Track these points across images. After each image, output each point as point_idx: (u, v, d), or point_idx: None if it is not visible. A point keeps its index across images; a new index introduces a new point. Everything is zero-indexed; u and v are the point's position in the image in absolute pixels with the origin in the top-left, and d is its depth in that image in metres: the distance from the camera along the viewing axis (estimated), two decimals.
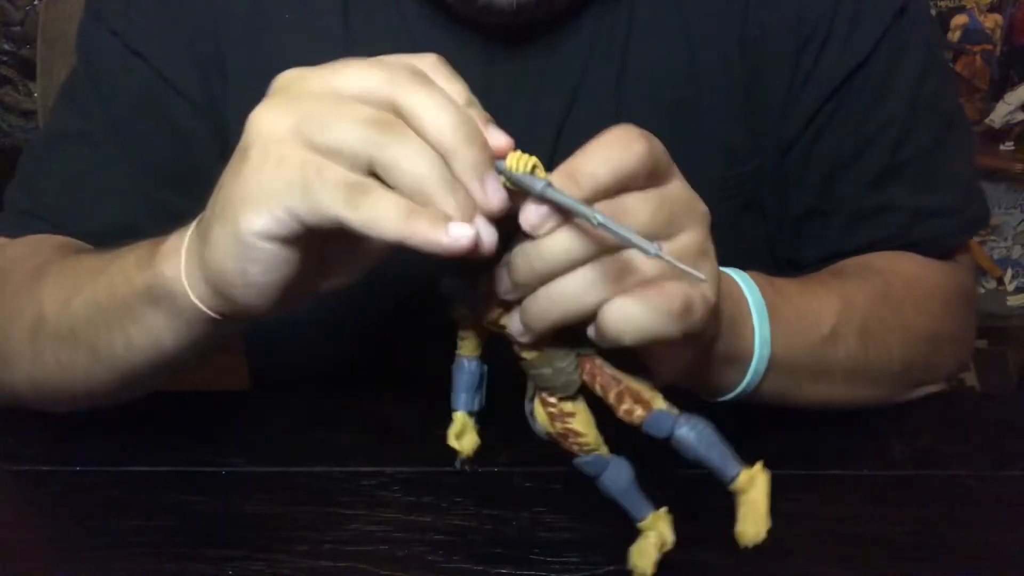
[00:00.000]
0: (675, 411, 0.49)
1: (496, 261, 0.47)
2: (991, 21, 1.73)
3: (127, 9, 0.77)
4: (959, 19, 1.73)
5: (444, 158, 0.44)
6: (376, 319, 0.80)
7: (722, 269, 0.61)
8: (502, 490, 0.64)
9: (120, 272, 0.58)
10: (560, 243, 0.45)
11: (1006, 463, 0.68)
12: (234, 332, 0.58)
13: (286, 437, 0.71)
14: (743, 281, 0.61)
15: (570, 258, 0.45)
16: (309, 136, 0.45)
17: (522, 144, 0.75)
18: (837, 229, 0.78)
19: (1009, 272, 1.89)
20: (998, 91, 1.77)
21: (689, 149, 0.74)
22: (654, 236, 0.46)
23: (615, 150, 0.46)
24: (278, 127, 0.45)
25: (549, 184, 0.44)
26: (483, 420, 0.53)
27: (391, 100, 0.45)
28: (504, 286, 0.48)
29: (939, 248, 0.77)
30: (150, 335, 0.57)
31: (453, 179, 0.44)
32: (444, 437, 0.52)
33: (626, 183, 0.46)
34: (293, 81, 0.48)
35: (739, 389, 0.60)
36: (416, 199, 0.44)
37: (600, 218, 0.42)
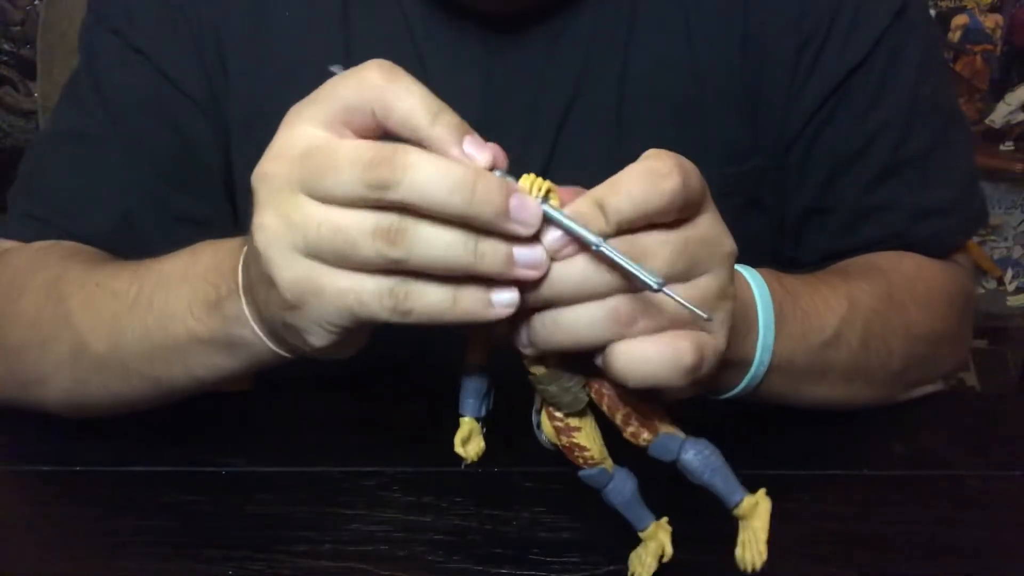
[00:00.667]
0: (681, 435, 0.49)
1: None
2: (991, 21, 1.73)
3: (129, 8, 0.77)
4: (960, 19, 1.73)
5: (463, 223, 0.44)
6: (394, 333, 0.82)
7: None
8: (502, 490, 0.64)
9: (173, 316, 0.58)
10: (574, 271, 0.45)
11: (1006, 463, 0.68)
12: None
13: (286, 437, 0.71)
14: (754, 281, 0.61)
15: (583, 288, 0.45)
16: (332, 265, 0.45)
17: (523, 136, 0.75)
18: (837, 228, 0.78)
19: (1009, 272, 1.89)
20: (998, 91, 1.77)
21: (690, 145, 0.74)
22: (672, 279, 0.46)
23: (645, 186, 0.45)
24: (297, 269, 0.46)
25: (561, 212, 0.44)
26: (484, 421, 0.53)
27: (384, 199, 0.43)
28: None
29: (939, 247, 0.78)
30: (217, 370, 0.59)
31: (479, 244, 0.44)
32: (444, 437, 0.52)
33: (653, 220, 0.46)
34: (276, 204, 0.46)
35: (737, 390, 0.60)
36: (454, 274, 0.44)
37: (605, 249, 0.43)
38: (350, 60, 0.74)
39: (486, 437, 0.53)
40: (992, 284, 1.90)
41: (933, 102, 0.77)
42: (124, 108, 0.77)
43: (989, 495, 0.66)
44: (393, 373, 0.76)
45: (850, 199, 0.77)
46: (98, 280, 0.65)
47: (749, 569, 0.49)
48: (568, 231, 0.44)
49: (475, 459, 0.53)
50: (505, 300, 0.44)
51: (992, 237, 1.87)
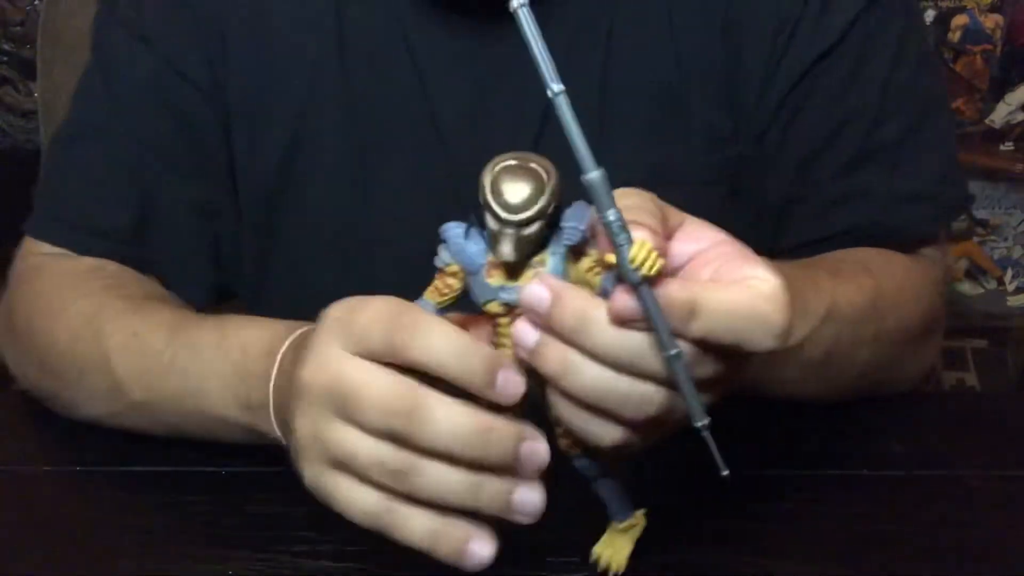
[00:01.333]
0: None
1: None
2: (991, 21, 1.73)
3: None
4: (960, 19, 1.73)
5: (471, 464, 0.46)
6: None
7: None
8: None
9: (207, 395, 0.63)
10: (630, 343, 0.44)
11: (1006, 463, 0.68)
12: None
13: None
14: None
15: (630, 363, 0.44)
16: (348, 476, 0.47)
17: (511, 127, 0.75)
18: (812, 216, 0.78)
19: (1009, 272, 1.89)
20: (998, 91, 1.77)
21: (673, 133, 0.74)
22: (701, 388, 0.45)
23: (750, 323, 0.43)
24: (316, 471, 0.49)
25: (656, 305, 0.42)
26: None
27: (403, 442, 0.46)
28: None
29: (916, 233, 0.78)
30: (238, 439, 0.63)
31: (482, 489, 0.46)
32: None
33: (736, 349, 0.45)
34: (311, 416, 0.48)
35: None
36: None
37: (675, 364, 0.43)
38: (344, 52, 0.75)
39: None
40: (992, 284, 1.89)
41: (910, 89, 0.77)
42: (130, 97, 0.77)
43: (989, 495, 0.66)
44: None
45: (824, 186, 0.77)
46: (136, 329, 0.68)
47: (602, 565, 0.53)
48: (652, 322, 0.43)
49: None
50: (480, 552, 0.47)
51: (992, 237, 1.87)
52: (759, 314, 0.44)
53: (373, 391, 0.46)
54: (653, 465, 0.50)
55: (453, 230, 0.47)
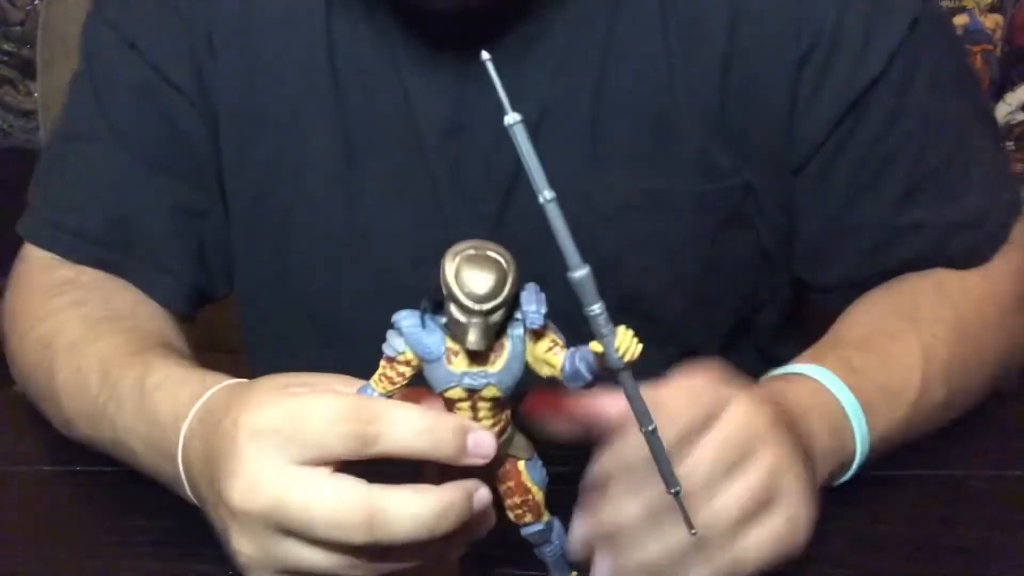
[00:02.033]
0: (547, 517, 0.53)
1: None
2: (991, 21, 1.73)
3: (126, 2, 0.78)
4: (960, 19, 1.73)
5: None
6: (376, 321, 0.82)
7: (804, 369, 0.64)
8: None
9: (135, 455, 0.63)
10: (631, 449, 0.50)
11: (1006, 463, 0.68)
12: None
13: None
14: (828, 382, 0.63)
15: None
16: None
17: (494, 144, 0.75)
18: (864, 252, 0.76)
19: None
20: (998, 91, 1.77)
21: (665, 162, 0.73)
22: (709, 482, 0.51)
23: (723, 453, 0.51)
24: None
25: (637, 389, 0.45)
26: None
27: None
28: None
29: (977, 258, 0.76)
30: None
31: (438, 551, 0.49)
32: None
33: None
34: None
35: (845, 479, 0.64)
36: None
37: (652, 438, 0.46)
38: (334, 64, 0.74)
39: None
40: None
41: (954, 111, 0.75)
42: (118, 102, 0.78)
43: (989, 495, 0.66)
44: None
45: (875, 221, 0.75)
46: (79, 364, 0.67)
47: None
48: (632, 405, 0.46)
49: None
50: None
51: None
52: (661, 404, 0.48)
53: (326, 509, 0.45)
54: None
55: (407, 319, 0.47)
